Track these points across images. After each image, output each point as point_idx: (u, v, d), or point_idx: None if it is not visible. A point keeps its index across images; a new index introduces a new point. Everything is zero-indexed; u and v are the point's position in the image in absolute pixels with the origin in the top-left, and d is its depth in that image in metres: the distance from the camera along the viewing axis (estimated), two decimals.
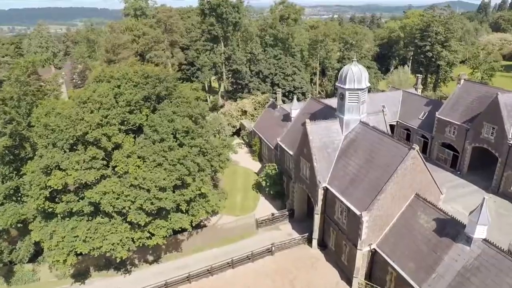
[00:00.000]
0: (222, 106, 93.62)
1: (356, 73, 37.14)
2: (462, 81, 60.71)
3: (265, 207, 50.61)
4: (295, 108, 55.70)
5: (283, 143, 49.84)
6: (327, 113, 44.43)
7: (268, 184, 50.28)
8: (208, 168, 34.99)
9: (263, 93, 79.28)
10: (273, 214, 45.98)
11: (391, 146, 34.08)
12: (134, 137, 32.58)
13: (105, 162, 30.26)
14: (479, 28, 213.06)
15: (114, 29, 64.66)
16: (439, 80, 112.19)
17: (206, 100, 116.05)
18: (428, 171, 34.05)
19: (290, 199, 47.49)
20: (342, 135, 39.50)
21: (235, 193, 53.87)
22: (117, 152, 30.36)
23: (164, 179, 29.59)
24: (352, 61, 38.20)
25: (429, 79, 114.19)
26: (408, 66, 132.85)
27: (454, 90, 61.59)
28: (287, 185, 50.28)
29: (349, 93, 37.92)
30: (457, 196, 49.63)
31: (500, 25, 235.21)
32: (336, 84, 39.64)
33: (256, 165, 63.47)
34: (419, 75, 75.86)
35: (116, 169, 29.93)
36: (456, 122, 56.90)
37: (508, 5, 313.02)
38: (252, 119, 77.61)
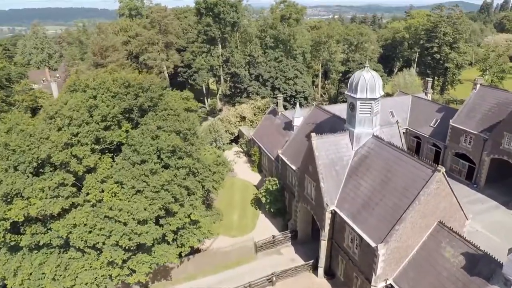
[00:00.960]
0: (220, 110, 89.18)
1: (369, 81, 32.50)
2: (478, 86, 56.20)
3: (265, 226, 46.00)
4: (297, 116, 51.12)
5: (284, 156, 45.22)
6: (334, 124, 39.81)
7: (268, 201, 45.65)
8: (199, 190, 30.36)
9: (263, 97, 74.67)
10: (274, 237, 41.32)
11: (410, 166, 29.43)
12: (113, 157, 27.91)
13: (75, 189, 25.56)
14: (483, 28, 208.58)
15: (102, 30, 59.99)
16: (446, 83, 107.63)
17: (201, 108, 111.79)
18: (454, 195, 29.42)
19: (293, 219, 42.87)
20: (352, 150, 34.86)
21: (232, 210, 49.23)
22: (90, 176, 25.70)
23: (145, 209, 24.98)
24: (364, 66, 33.55)
25: (436, 82, 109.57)
26: (413, 67, 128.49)
27: (469, 96, 57.10)
28: (289, 202, 45.67)
29: (360, 103, 33.27)
30: (475, 213, 44.83)
31: (504, 25, 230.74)
32: (346, 92, 34.99)
33: (255, 177, 58.83)
34: (428, 79, 71.20)
35: (88, 197, 25.27)
36: (472, 131, 52.35)
37: (511, 5, 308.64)
38: (251, 125, 73.03)
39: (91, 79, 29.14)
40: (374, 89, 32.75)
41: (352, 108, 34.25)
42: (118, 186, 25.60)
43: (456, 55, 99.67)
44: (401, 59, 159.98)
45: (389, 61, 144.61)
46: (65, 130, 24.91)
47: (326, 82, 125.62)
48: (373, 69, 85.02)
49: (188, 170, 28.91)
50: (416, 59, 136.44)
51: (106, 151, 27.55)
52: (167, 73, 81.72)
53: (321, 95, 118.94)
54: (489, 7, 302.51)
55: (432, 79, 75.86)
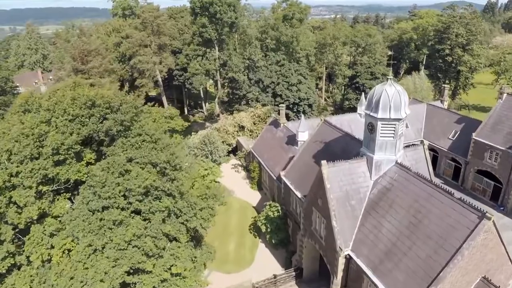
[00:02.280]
0: (218, 115, 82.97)
1: (393, 97, 26.41)
2: (504, 95, 50.01)
3: (265, 259, 39.96)
4: (302, 130, 45.12)
5: (288, 179, 39.16)
6: (346, 146, 33.73)
7: (269, 230, 39.60)
8: (183, 234, 24.33)
9: (263, 105, 68.56)
10: (275, 276, 35.25)
11: (448, 207, 23.34)
12: (71, 199, 21.88)
13: (15, 247, 19.58)
14: (492, 29, 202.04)
15: (83, 33, 53.86)
16: (458, 87, 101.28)
17: (198, 113, 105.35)
18: (504, 246, 23.36)
19: (297, 254, 36.78)
20: (370, 180, 28.79)
21: (227, 237, 43.25)
22: (36, 228, 19.71)
23: (106, 274, 19.00)
24: (387, 79, 27.43)
25: (447, 86, 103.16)
26: (421, 70, 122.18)
27: (494, 106, 50.95)
28: (293, 231, 39.67)
29: (382, 124, 27.16)
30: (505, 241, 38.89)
31: None
32: (363, 109, 28.93)
33: (254, 196, 52.77)
34: (445, 85, 65.09)
35: (32, 257, 19.30)
36: (499, 147, 46.35)
37: None
38: (250, 135, 66.95)
39: (46, 96, 23.12)
40: (399, 108, 26.65)
41: (371, 129, 28.13)
42: (73, 241, 19.63)
43: (470, 57, 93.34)
44: (407, 61, 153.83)
45: (394, 63, 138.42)
46: (1, 168, 18.94)
47: (330, 85, 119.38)
48: (382, 74, 79.29)
49: (168, 213, 22.93)
50: (424, 61, 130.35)
51: (62, 192, 21.53)
52: (161, 77, 75.57)
53: (325, 99, 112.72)
54: (493, 7, 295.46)
55: (449, 85, 69.46)
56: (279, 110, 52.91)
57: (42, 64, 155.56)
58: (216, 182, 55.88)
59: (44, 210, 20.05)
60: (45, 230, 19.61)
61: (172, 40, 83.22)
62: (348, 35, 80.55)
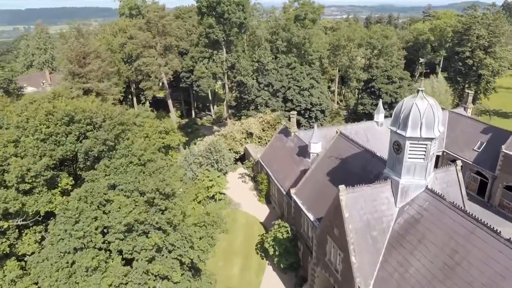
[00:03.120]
0: (226, 119, 79.33)
1: (426, 113, 22.43)
2: None
3: (273, 285, 36.22)
4: (315, 142, 41.31)
5: (299, 198, 35.37)
6: (366, 164, 29.80)
7: (277, 253, 35.85)
8: (176, 271, 20.72)
9: (273, 110, 64.76)
10: None
11: (493, 249, 19.31)
12: (46, 230, 18.44)
13: None
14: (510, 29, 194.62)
15: (81, 34, 50.52)
16: (479, 92, 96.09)
17: (206, 116, 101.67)
18: None
19: (308, 283, 32.96)
20: (395, 207, 24.84)
21: (232, 257, 39.68)
22: None
23: None
24: (418, 91, 23.41)
25: (466, 90, 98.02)
26: (438, 72, 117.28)
27: None
28: (303, 255, 35.88)
29: (411, 144, 23.19)
30: None
31: None
32: (388, 126, 24.91)
33: (262, 210, 49.08)
34: (469, 91, 60.50)
35: None
36: None
37: None
38: (259, 142, 63.25)
39: (18, 110, 19.75)
40: (432, 125, 22.66)
41: (397, 149, 24.16)
42: None
43: (492, 60, 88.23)
44: (423, 63, 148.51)
45: (409, 64, 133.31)
46: None
47: (343, 88, 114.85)
48: (399, 77, 74.72)
49: (157, 249, 19.37)
50: (441, 63, 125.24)
51: (31, 225, 18.11)
52: (167, 80, 72.22)
53: (338, 103, 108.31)
54: (511, 7, 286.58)
55: (472, 91, 64.70)
56: (289, 116, 49.08)
57: (51, 64, 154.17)
58: (221, 193, 52.42)
59: (4, 252, 16.66)
60: (4, 276, 16.24)
61: (179, 40, 79.98)
62: (364, 36, 76.13)
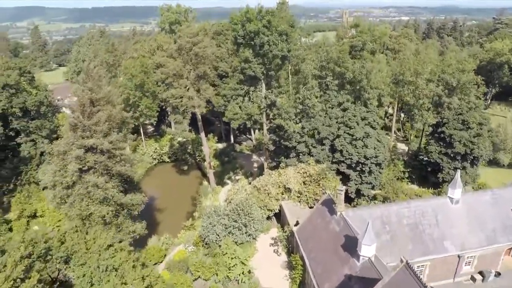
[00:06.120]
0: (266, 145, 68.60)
1: None
2: None
3: None
4: (367, 244, 30.59)
5: None
6: None
7: None
8: None
9: (317, 161, 53.92)
10: None
11: None
12: None
13: None
14: None
15: (89, 74, 41.07)
16: None
17: (246, 140, 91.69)
18: None
19: None
20: None
21: None
22: None
23: None
24: None
25: None
26: None
27: None
28: None
29: None
30: None
31: None
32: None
33: None
34: None
35: None
36: None
37: None
38: (299, 198, 52.83)
39: None
40: None
41: None
42: None
43: None
44: (497, 86, 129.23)
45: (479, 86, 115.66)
46: None
47: (403, 119, 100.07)
48: (479, 123, 59.93)
49: None
50: None
51: None
52: (200, 113, 63.50)
53: (395, 132, 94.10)
54: None
55: None
56: (336, 195, 38.08)
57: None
58: (245, 274, 42.89)
59: None
60: None
61: (218, 62, 71.29)
62: (434, 69, 62.63)
